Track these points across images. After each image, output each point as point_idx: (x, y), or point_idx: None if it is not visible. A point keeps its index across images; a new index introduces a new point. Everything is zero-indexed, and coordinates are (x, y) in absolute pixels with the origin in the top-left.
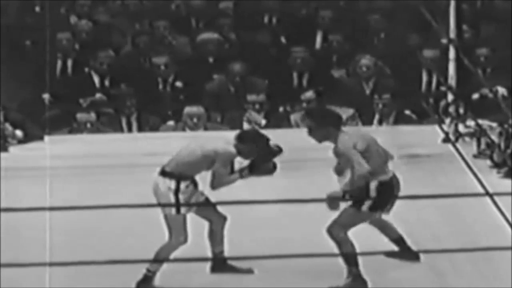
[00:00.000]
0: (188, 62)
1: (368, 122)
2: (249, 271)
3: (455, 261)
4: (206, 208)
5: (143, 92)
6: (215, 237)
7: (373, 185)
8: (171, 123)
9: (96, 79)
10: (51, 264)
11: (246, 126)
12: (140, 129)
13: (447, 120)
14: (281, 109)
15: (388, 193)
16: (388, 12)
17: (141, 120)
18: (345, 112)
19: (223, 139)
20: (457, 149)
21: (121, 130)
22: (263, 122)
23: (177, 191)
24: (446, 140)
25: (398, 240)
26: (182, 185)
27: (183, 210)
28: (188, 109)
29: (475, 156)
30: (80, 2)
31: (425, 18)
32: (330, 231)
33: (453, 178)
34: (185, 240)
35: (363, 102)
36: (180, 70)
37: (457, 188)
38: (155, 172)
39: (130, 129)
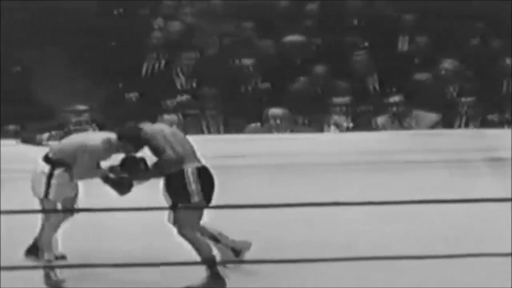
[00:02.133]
0: (273, 64)
1: (451, 125)
2: (63, 257)
3: None
4: (71, 202)
5: (228, 93)
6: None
7: (189, 170)
8: (256, 124)
9: (182, 80)
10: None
11: (331, 128)
12: (225, 130)
13: None
14: (361, 108)
15: (208, 179)
16: (472, 16)
17: (226, 122)
18: (431, 118)
19: (104, 135)
20: None
21: (205, 131)
22: (349, 124)
23: (50, 176)
24: None
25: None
26: (57, 171)
27: (51, 196)
28: (271, 111)
29: None
30: (166, 3)
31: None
32: (182, 234)
33: None
34: (60, 222)
35: (447, 105)
36: (265, 71)
37: None
38: (239, 174)
39: (214, 131)
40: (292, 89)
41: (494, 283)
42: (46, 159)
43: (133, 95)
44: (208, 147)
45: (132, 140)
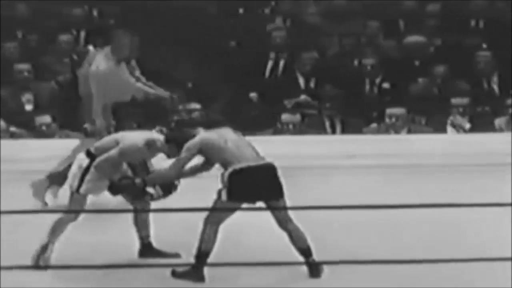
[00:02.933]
0: (395, 64)
1: None
2: (176, 255)
3: None
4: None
5: (348, 93)
6: (141, 222)
7: (226, 173)
8: (374, 125)
9: (301, 80)
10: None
11: (449, 129)
12: (344, 131)
13: None
14: (480, 109)
15: (243, 181)
16: None
17: (345, 122)
18: None
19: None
20: None
21: (325, 131)
22: (468, 126)
23: (86, 170)
24: None
25: (305, 251)
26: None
27: (82, 190)
28: (389, 110)
29: None
30: (287, 2)
31: None
32: (204, 226)
33: None
34: (75, 219)
35: None
36: (386, 72)
37: None
38: (352, 175)
39: (333, 131)
40: (412, 89)
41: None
42: (88, 153)
43: (253, 95)
44: (326, 147)
45: (180, 144)
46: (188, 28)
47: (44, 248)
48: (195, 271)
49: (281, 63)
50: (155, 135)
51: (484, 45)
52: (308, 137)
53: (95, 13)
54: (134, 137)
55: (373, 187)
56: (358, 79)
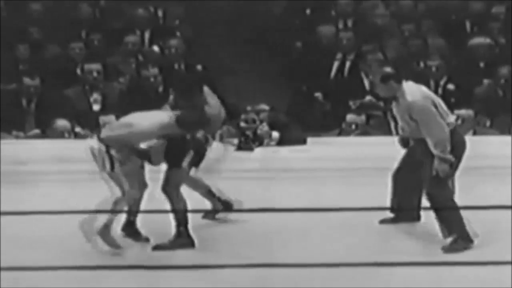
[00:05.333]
0: (460, 65)
1: None
2: (147, 239)
3: None
4: (138, 173)
5: None
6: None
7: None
8: None
9: (366, 81)
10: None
11: None
12: None
13: None
14: None
15: (198, 148)
16: None
17: None
18: None
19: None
20: None
21: (389, 133)
22: None
23: (108, 150)
24: None
25: (209, 193)
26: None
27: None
28: (456, 112)
29: None
30: (352, 2)
31: None
32: (165, 190)
33: None
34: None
35: None
36: (452, 73)
37: None
38: None
39: (398, 132)
40: (477, 91)
41: None
42: (99, 138)
43: (318, 96)
44: (391, 149)
45: (193, 125)
46: (255, 28)
47: (106, 226)
48: (181, 235)
49: (347, 64)
50: (167, 115)
51: None
52: (373, 138)
53: (160, 13)
54: (147, 123)
55: None
56: (422, 81)
